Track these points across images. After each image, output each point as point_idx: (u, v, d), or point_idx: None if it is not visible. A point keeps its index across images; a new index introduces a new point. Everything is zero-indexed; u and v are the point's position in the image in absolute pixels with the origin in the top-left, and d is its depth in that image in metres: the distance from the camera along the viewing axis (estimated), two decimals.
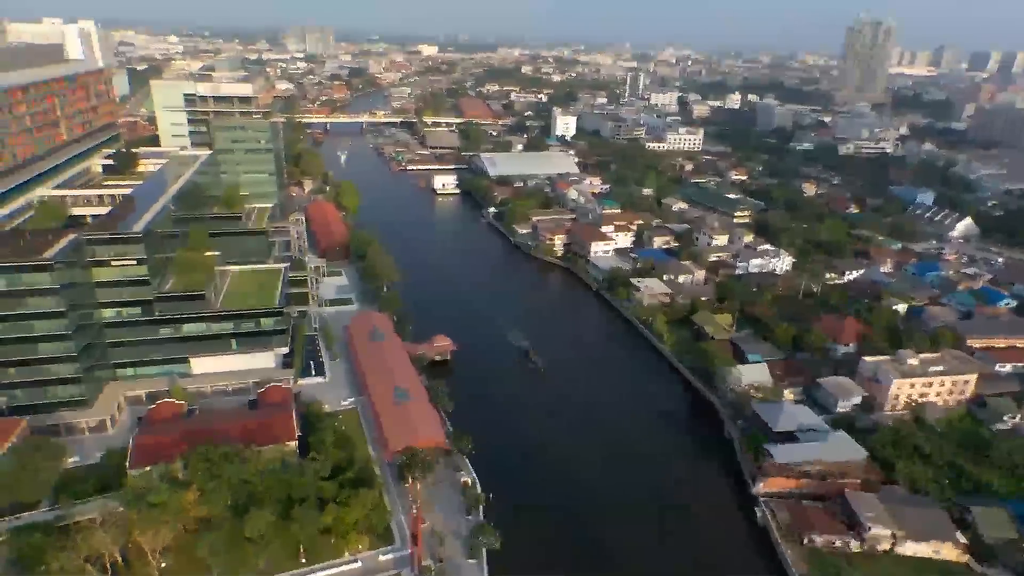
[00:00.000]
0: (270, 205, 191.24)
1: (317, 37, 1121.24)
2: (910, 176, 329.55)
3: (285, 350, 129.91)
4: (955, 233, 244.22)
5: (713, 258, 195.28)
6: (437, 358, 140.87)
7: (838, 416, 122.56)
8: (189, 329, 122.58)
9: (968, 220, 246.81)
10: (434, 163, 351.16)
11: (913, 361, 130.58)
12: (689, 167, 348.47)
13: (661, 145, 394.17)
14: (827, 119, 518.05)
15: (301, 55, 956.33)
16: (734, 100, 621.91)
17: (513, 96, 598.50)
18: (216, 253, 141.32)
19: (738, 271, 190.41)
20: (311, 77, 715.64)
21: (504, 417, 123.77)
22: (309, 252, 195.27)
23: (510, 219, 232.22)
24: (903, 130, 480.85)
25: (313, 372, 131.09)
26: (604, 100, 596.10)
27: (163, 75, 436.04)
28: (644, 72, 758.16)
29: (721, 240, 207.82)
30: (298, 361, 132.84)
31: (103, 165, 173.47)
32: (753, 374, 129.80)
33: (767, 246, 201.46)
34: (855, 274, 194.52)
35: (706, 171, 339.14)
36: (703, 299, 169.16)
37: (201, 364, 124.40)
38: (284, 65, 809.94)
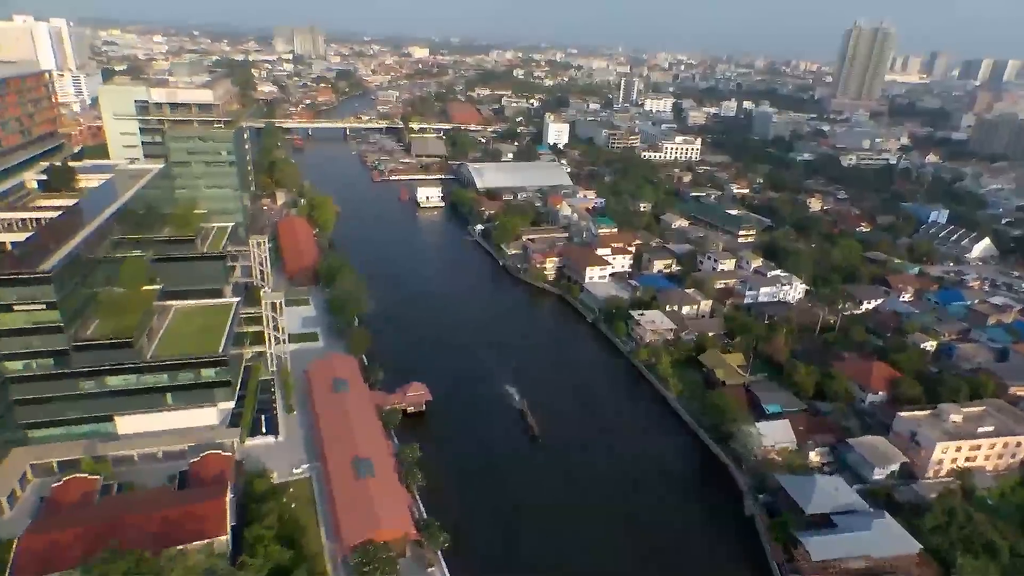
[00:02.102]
0: (231, 224, 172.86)
1: (306, 37, 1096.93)
2: (920, 191, 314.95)
3: (230, 405, 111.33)
4: (973, 254, 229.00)
5: (719, 285, 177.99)
6: (410, 410, 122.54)
7: (874, 486, 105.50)
8: (114, 382, 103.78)
9: (986, 241, 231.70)
10: (419, 172, 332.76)
11: (956, 417, 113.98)
12: (687, 179, 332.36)
13: (657, 154, 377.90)
14: (825, 128, 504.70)
15: (289, 56, 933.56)
16: (730, 107, 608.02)
17: (504, 100, 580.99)
18: (156, 287, 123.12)
19: (747, 300, 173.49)
20: (296, 79, 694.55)
21: (487, 490, 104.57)
22: (275, 277, 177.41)
23: (498, 238, 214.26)
24: (904, 140, 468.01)
25: (264, 429, 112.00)
26: (597, 106, 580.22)
27: (142, 76, 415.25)
28: (638, 77, 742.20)
29: (727, 264, 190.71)
30: (248, 416, 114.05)
31: (39, 180, 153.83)
32: (774, 433, 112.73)
33: (778, 272, 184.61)
34: (873, 303, 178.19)
35: (705, 183, 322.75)
36: (711, 335, 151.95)
37: (128, 423, 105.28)
38: (270, 66, 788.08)
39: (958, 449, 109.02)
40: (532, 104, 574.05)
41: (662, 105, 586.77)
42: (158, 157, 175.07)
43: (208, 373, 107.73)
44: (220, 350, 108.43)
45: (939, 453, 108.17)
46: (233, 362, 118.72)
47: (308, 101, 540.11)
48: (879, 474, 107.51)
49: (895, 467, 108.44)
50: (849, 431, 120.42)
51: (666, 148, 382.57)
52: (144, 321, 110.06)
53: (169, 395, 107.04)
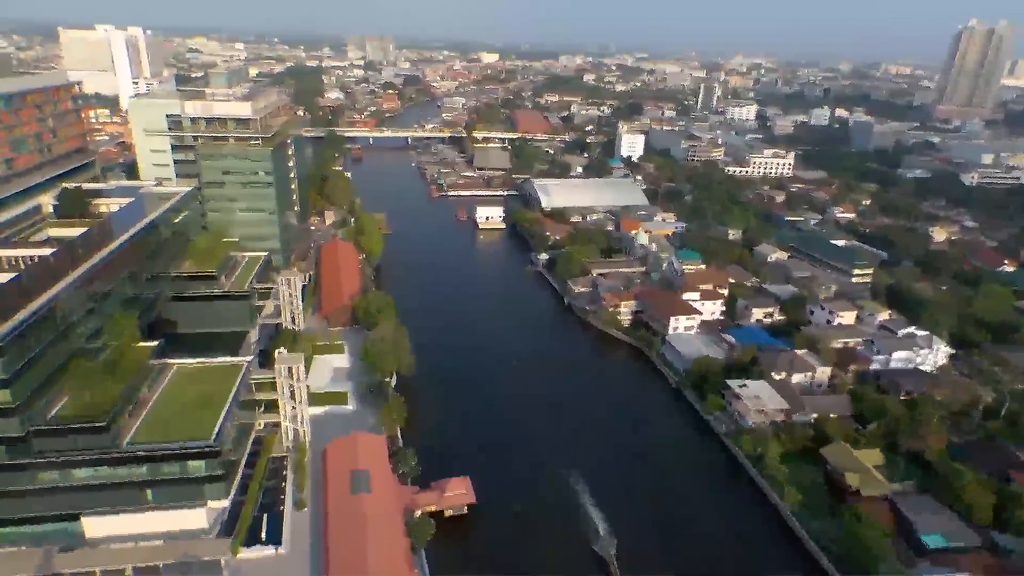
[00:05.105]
0: (264, 253, 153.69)
1: (377, 44, 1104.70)
2: None
3: (224, 504, 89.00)
4: None
5: (837, 344, 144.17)
6: (448, 513, 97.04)
7: None
8: (82, 475, 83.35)
9: None
10: (480, 187, 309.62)
11: None
12: (780, 199, 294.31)
13: (743, 170, 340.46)
14: (934, 139, 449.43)
15: (360, 62, 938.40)
16: (821, 115, 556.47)
17: (574, 108, 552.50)
18: (151, 344, 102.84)
19: (873, 365, 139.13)
20: (365, 85, 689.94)
21: None
22: (311, 315, 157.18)
23: (563, 271, 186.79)
24: None
25: (264, 536, 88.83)
26: (673, 113, 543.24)
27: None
28: (717, 82, 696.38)
29: (846, 316, 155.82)
30: (248, 514, 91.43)
31: (54, 204, 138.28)
32: None
33: (911, 329, 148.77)
34: None
35: (800, 204, 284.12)
36: (834, 416, 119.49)
37: (98, 525, 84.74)
38: (341, 72, 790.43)
39: None
40: (603, 111, 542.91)
41: (745, 113, 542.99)
42: (192, 177, 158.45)
43: (197, 466, 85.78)
44: (212, 437, 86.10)
45: None
46: (237, 439, 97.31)
47: (373, 108, 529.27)
48: None
49: None
50: None
51: (754, 162, 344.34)
52: (127, 394, 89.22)
53: (149, 491, 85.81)
